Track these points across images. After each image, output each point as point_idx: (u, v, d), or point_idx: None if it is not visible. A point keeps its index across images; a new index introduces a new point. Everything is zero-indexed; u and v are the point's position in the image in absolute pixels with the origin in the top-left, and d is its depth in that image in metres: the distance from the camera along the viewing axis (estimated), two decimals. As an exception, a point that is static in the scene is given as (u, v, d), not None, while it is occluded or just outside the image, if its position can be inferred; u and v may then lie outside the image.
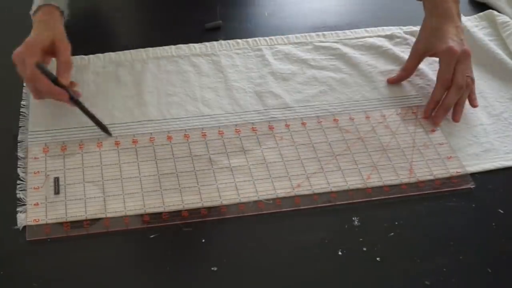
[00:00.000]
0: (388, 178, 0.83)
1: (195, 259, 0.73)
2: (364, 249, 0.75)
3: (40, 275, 0.70)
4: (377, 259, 0.74)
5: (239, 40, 1.03)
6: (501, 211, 0.81)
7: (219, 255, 0.73)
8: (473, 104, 0.91)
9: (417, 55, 0.96)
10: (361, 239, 0.76)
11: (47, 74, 0.83)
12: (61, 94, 0.84)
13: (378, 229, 0.77)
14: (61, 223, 0.75)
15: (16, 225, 0.75)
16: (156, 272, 0.71)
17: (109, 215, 0.76)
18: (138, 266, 0.72)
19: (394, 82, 0.96)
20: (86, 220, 0.75)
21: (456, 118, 0.90)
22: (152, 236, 0.75)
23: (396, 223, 0.78)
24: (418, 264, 0.74)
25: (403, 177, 0.83)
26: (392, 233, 0.77)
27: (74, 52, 0.97)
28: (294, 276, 0.72)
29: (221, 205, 0.78)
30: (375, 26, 1.07)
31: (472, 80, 0.91)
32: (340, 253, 0.74)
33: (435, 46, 0.92)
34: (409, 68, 0.96)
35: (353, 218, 0.78)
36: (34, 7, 0.91)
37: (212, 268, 0.72)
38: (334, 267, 0.73)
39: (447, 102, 0.89)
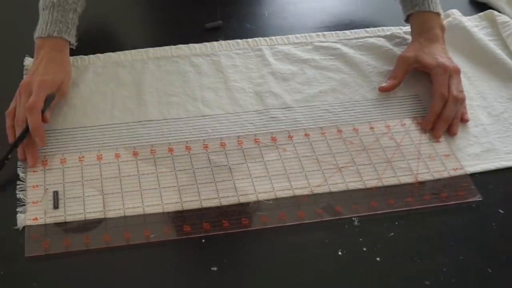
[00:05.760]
0: (394, 191, 0.82)
1: (195, 259, 0.73)
2: (364, 249, 0.75)
3: (40, 275, 0.70)
4: (377, 259, 0.74)
5: (239, 40, 1.03)
6: (501, 211, 0.81)
7: (219, 255, 0.73)
8: (465, 119, 0.92)
9: (406, 64, 0.97)
10: (361, 239, 0.76)
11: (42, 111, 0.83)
12: (42, 137, 0.82)
13: (378, 229, 0.77)
14: (60, 239, 0.73)
15: (16, 225, 0.75)
16: (156, 272, 0.71)
17: (109, 220, 0.76)
18: (138, 265, 0.72)
19: (387, 90, 0.96)
20: (85, 223, 0.75)
21: (453, 130, 0.90)
22: (152, 236, 0.75)
23: (396, 223, 0.78)
24: (418, 264, 0.74)
25: (409, 190, 0.82)
26: (392, 233, 0.77)
27: (74, 52, 0.97)
28: (294, 276, 0.72)
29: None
30: (375, 26, 1.07)
31: (464, 96, 0.93)
32: (340, 253, 0.74)
33: (424, 61, 0.95)
34: (400, 75, 0.96)
35: (353, 218, 0.78)
36: (43, 32, 0.90)
37: (212, 268, 0.72)
38: (334, 267, 0.73)
39: (447, 114, 0.90)
